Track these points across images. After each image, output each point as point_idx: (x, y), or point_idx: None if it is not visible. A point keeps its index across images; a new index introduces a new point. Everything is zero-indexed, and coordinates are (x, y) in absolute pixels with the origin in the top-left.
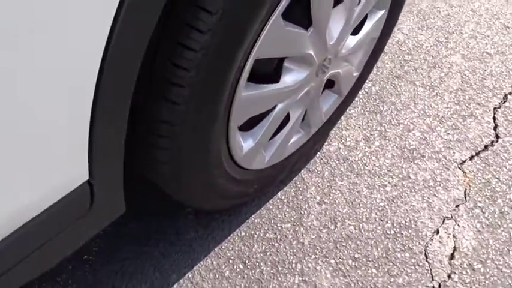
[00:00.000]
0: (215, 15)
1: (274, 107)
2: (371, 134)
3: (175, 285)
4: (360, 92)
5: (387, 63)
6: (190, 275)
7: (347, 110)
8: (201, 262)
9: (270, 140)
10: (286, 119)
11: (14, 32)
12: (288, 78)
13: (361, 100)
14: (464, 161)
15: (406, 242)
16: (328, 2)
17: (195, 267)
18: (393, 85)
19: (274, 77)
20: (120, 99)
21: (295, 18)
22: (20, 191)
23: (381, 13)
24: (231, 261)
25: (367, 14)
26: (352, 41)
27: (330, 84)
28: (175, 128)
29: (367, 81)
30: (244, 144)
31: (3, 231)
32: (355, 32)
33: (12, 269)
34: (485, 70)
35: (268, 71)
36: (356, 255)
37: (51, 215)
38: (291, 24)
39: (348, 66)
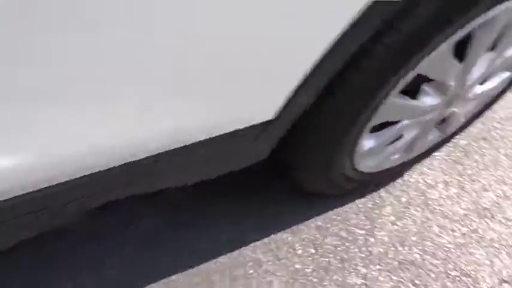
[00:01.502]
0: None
1: (400, 121)
2: (450, 181)
3: (251, 245)
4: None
5: (477, 124)
6: (267, 240)
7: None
8: (278, 234)
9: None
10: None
11: None
12: (425, 100)
13: (447, 147)
14: None
15: (464, 287)
16: (484, 48)
17: (272, 236)
18: (479, 145)
19: (412, 95)
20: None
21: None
22: (223, 108)
23: (506, 74)
24: (304, 242)
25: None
26: (478, 89)
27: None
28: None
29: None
30: (365, 143)
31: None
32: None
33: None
34: None
35: (408, 89)
36: (417, 281)
37: (235, 137)
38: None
39: (462, 110)
